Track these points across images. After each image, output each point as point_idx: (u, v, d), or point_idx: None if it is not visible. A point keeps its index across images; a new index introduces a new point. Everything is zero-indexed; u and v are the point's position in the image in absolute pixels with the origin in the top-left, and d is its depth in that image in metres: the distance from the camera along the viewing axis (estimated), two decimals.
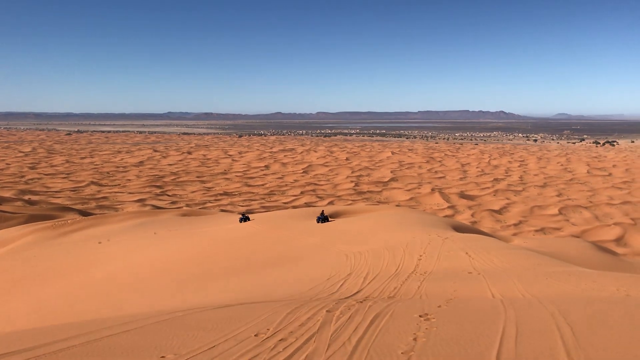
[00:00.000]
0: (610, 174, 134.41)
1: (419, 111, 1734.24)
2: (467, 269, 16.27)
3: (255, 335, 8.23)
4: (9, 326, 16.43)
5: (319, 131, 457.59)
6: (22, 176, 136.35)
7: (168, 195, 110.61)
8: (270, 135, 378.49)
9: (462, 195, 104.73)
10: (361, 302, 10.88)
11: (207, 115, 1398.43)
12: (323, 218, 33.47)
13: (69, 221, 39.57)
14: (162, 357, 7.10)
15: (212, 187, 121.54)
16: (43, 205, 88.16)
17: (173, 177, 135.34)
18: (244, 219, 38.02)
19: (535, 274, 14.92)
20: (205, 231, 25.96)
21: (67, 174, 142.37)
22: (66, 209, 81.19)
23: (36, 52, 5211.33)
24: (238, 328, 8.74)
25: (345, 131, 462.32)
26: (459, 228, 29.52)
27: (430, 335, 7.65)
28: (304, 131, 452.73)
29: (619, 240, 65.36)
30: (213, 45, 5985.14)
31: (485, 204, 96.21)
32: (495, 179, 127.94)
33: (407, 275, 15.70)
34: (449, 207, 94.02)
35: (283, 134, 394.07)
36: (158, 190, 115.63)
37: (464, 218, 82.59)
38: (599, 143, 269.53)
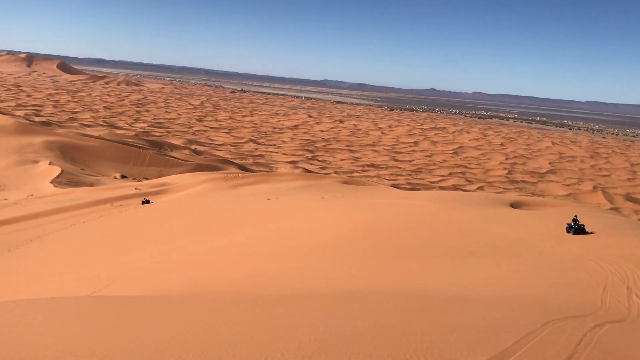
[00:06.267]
0: None
1: (586, 101, 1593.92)
2: None
3: None
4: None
5: (473, 112, 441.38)
6: (190, 127, 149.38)
7: (318, 161, 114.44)
8: (422, 111, 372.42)
9: (629, 198, 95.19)
10: None
11: (361, 86, 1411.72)
12: (577, 229, 19.49)
13: (239, 175, 42.66)
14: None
15: (360, 158, 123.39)
16: (207, 155, 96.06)
17: (324, 144, 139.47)
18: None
19: None
20: (378, 203, 26.13)
21: (229, 129, 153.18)
22: (228, 162, 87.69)
23: (197, 15, 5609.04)
24: None
25: (502, 115, 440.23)
26: None
27: None
28: (458, 110, 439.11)
29: None
30: (373, 17, 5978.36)
31: None
32: None
33: None
34: (611, 209, 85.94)
35: (435, 112, 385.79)
36: (309, 155, 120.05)
37: None
38: None
